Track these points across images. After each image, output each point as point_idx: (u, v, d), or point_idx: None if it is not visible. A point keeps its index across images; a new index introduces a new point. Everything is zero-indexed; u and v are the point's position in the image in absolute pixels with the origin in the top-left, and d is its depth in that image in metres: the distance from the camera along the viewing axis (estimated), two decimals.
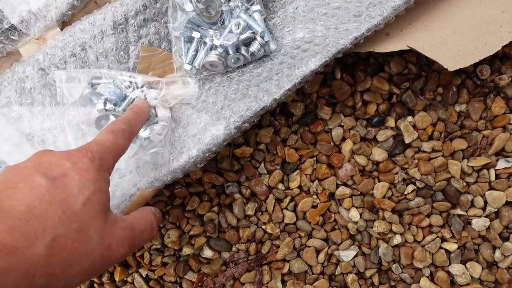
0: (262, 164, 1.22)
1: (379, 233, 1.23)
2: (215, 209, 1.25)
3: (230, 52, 1.07)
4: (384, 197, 1.21)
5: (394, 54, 1.18)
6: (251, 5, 1.06)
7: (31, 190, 0.54)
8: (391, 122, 1.20)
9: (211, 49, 1.09)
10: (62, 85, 1.11)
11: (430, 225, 1.24)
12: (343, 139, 1.21)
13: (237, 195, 1.23)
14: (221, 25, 1.07)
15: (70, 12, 1.16)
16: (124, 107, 1.10)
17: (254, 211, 1.22)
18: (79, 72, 1.11)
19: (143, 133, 1.08)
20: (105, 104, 1.10)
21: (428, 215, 1.24)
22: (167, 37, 1.12)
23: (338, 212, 1.24)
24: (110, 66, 1.13)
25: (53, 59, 1.11)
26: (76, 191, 0.57)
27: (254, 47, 1.06)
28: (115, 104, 1.11)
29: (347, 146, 1.19)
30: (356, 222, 1.23)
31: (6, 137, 1.13)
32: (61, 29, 1.17)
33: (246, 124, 1.01)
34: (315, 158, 1.22)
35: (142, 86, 1.10)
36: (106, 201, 0.61)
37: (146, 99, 1.09)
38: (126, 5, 1.07)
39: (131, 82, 1.10)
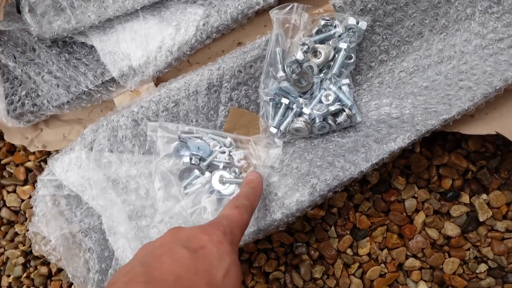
0: (333, 228, 1.24)
1: None
2: (282, 268, 1.26)
3: (317, 120, 1.12)
4: (454, 273, 1.20)
5: None
6: (341, 78, 1.12)
7: (176, 261, 0.58)
8: (465, 198, 1.20)
9: (298, 115, 1.15)
10: (154, 136, 1.17)
11: None
12: (416, 210, 1.22)
13: (305, 256, 1.24)
14: (311, 94, 1.13)
15: (166, 70, 1.25)
16: (208, 162, 1.16)
17: (321, 274, 1.23)
18: (171, 125, 1.18)
19: (227, 189, 1.13)
20: (191, 159, 1.15)
21: None
22: (256, 100, 1.18)
23: (406, 284, 1.23)
24: (198, 122, 1.20)
25: (147, 112, 1.18)
26: (216, 262, 0.60)
27: (341, 118, 1.10)
28: (200, 159, 1.17)
29: (420, 218, 1.20)
30: None
31: (95, 181, 1.19)
32: (155, 84, 1.26)
33: (331, 193, 1.04)
34: (386, 227, 1.23)
35: (229, 146, 1.16)
36: (240, 274, 0.64)
37: (233, 158, 1.14)
38: (222, 69, 1.15)
39: (219, 142, 1.16)
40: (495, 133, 1.01)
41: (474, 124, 1.06)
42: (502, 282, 1.21)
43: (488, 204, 1.20)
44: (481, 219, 1.19)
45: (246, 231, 1.06)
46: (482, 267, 1.20)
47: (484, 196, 1.20)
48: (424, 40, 1.14)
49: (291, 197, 1.05)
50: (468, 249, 1.21)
